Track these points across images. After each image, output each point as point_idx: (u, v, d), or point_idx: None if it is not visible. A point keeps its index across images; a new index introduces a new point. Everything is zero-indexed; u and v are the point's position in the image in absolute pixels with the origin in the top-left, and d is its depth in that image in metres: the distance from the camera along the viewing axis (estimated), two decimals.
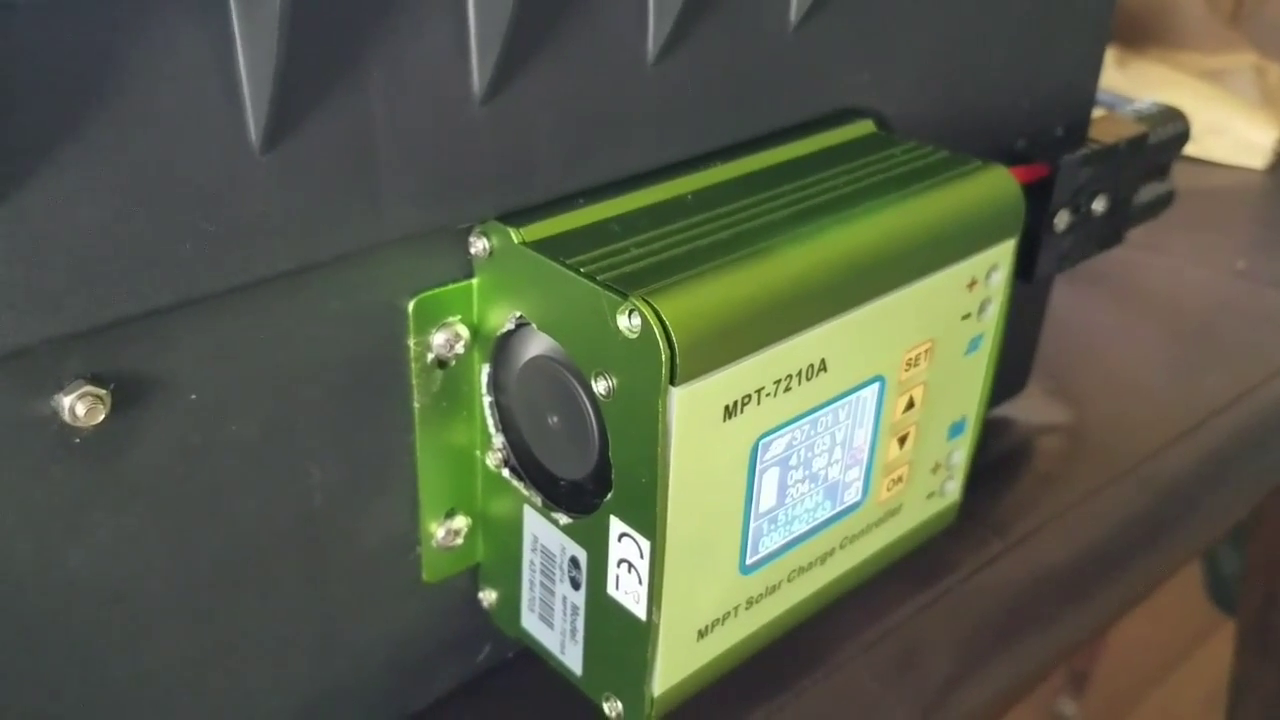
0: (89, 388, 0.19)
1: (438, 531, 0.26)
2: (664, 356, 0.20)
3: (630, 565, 0.23)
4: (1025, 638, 0.35)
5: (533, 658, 0.29)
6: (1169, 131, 0.38)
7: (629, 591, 0.24)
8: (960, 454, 0.30)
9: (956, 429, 0.29)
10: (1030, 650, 0.36)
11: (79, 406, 0.19)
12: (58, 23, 0.16)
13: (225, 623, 0.23)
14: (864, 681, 0.32)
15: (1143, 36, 0.70)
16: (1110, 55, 0.70)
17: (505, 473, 0.26)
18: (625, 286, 0.21)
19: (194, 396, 0.21)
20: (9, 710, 0.21)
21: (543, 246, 0.23)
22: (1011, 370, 0.41)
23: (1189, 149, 0.67)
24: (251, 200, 0.19)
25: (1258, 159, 0.65)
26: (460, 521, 0.26)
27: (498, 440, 0.26)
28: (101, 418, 0.19)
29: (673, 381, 0.21)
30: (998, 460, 0.40)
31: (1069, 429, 0.42)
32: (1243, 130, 0.65)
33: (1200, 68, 0.69)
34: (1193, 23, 0.70)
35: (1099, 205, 0.35)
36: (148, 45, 0.17)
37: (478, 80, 0.21)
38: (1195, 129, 0.68)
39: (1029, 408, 0.42)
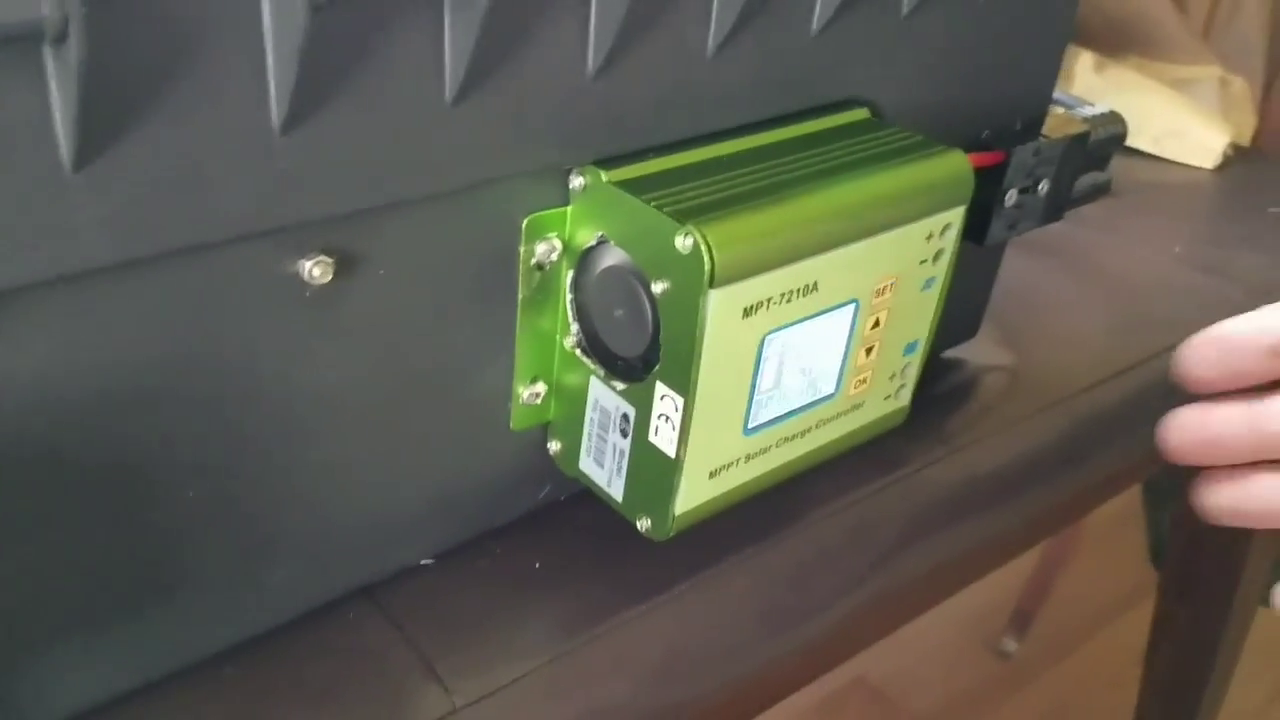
0: (323, 256, 0.28)
1: (524, 393, 0.35)
2: (706, 267, 0.30)
3: (667, 418, 0.33)
4: (959, 524, 0.45)
5: (579, 501, 0.39)
6: (1108, 132, 0.47)
7: (665, 437, 0.33)
8: (912, 368, 0.39)
9: (910, 348, 0.38)
10: (961, 534, 0.45)
11: (316, 269, 0.28)
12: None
13: (384, 437, 0.32)
14: (829, 538, 0.41)
15: (1121, 45, 0.78)
16: (1090, 61, 0.78)
17: (578, 352, 0.35)
18: (683, 217, 0.30)
19: (382, 272, 0.30)
20: (236, 485, 0.30)
21: (624, 185, 0.32)
22: (966, 318, 0.50)
23: (1151, 148, 0.76)
24: (444, 137, 0.28)
25: (1208, 160, 0.74)
26: (540, 387, 0.36)
27: (574, 327, 0.35)
28: (329, 278, 0.28)
29: (711, 285, 0.30)
30: (949, 390, 0.49)
31: (1011, 369, 0.52)
32: (1199, 134, 0.74)
33: (1171, 76, 0.78)
34: (1167, 35, 0.78)
35: (1043, 187, 0.44)
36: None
37: (592, 61, 0.30)
38: (1157, 131, 0.77)
39: (979, 351, 0.52)
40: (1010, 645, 1.15)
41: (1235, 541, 0.80)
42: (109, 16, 0.21)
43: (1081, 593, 1.21)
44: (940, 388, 0.49)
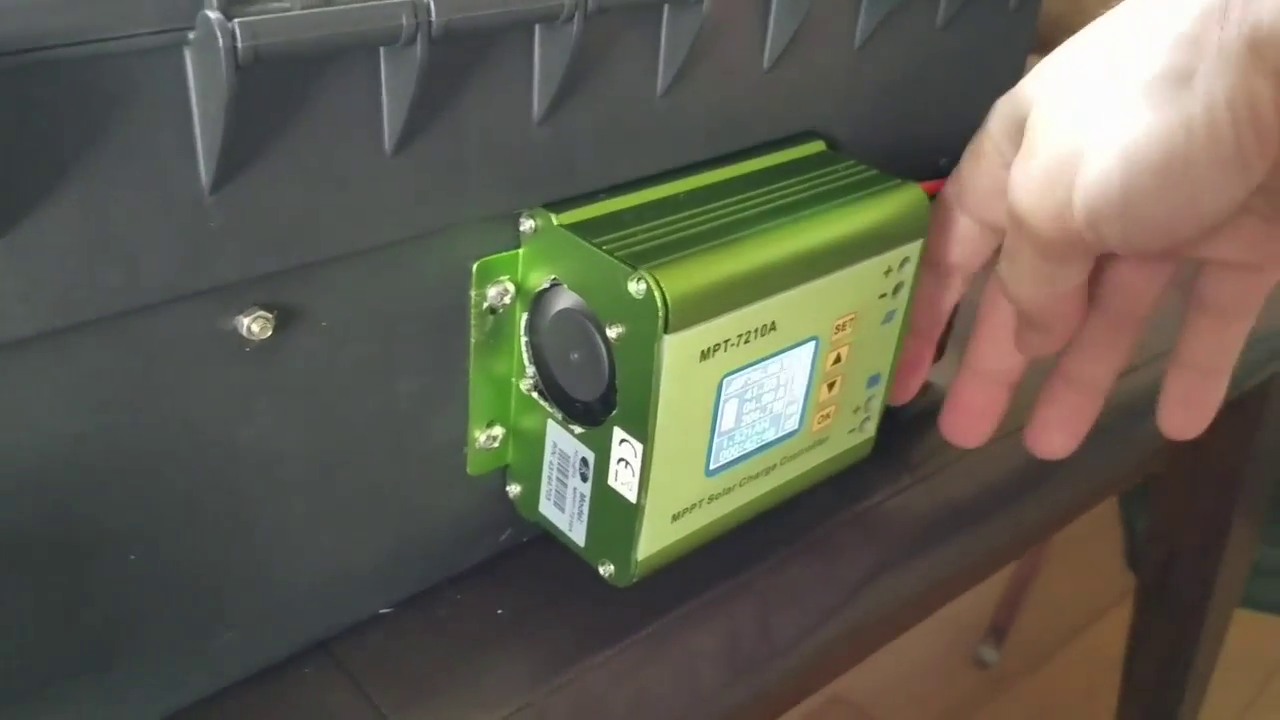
0: (261, 312, 0.27)
1: (480, 437, 0.35)
2: (661, 313, 0.29)
3: (627, 463, 0.32)
4: (928, 553, 0.45)
5: (541, 544, 0.38)
6: None
7: (625, 482, 0.32)
8: (876, 401, 0.39)
9: (873, 380, 0.38)
10: (931, 563, 0.45)
11: (255, 325, 0.27)
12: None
13: (335, 491, 0.32)
14: (795, 575, 0.41)
15: None
16: None
17: (534, 395, 0.34)
18: (635, 261, 0.30)
19: (325, 324, 0.29)
20: (181, 550, 0.29)
21: (575, 228, 0.31)
22: None
23: None
24: (385, 188, 0.27)
25: None
26: (497, 430, 0.35)
27: (529, 370, 0.34)
28: (269, 334, 0.27)
29: (666, 331, 0.29)
30: (915, 414, 0.49)
31: None
32: None
33: None
34: None
35: None
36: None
37: (538, 106, 0.29)
38: None
39: (945, 374, 0.51)
40: (989, 654, 1.14)
41: (1211, 549, 0.80)
42: (18, 82, 0.20)
43: (1057, 600, 1.22)
44: (905, 413, 0.48)
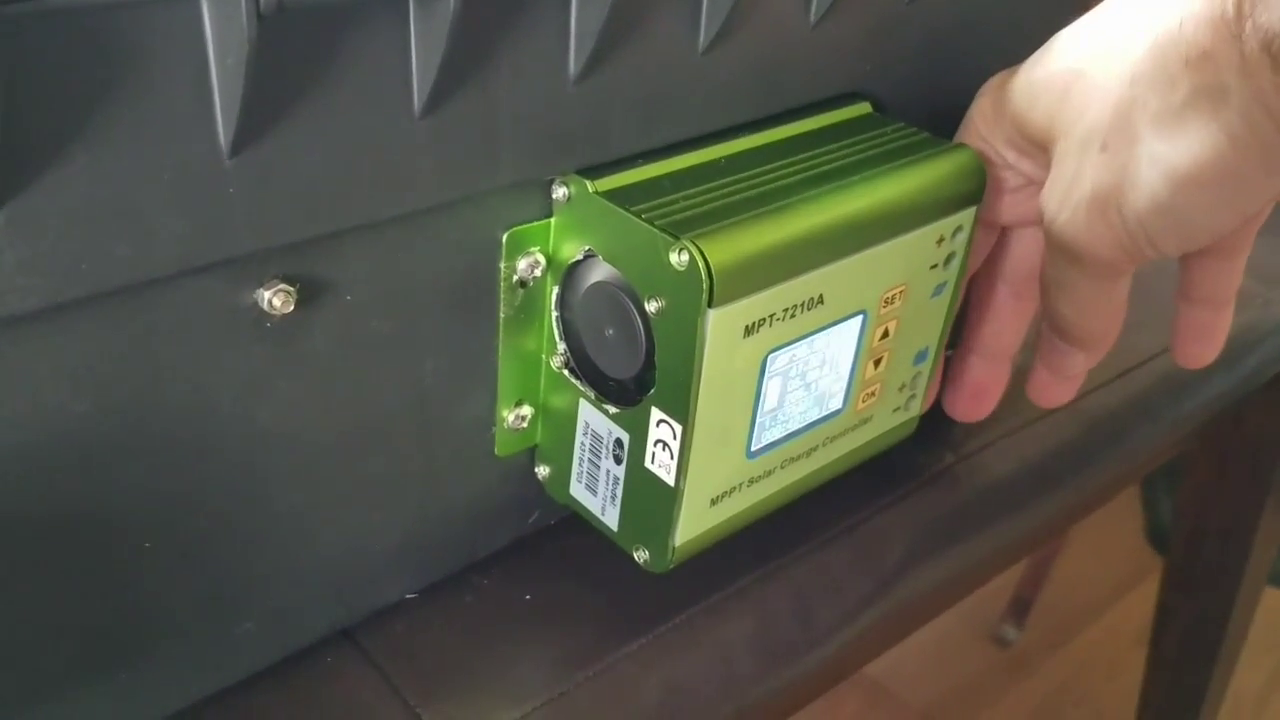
0: (283, 285, 0.26)
1: (509, 416, 0.33)
2: (705, 285, 0.27)
3: (665, 444, 0.30)
4: (969, 535, 0.43)
5: (570, 526, 0.36)
6: None
7: (662, 465, 0.31)
8: (922, 378, 0.37)
9: (920, 357, 0.36)
10: (972, 546, 0.43)
11: (276, 299, 0.26)
12: None
13: (357, 473, 0.30)
14: (833, 561, 0.39)
15: None
16: None
17: (565, 373, 0.33)
18: (677, 230, 0.28)
19: (349, 298, 0.27)
20: (197, 536, 0.28)
21: (611, 195, 0.29)
22: None
23: None
24: (413, 152, 0.25)
25: None
26: (526, 410, 0.33)
27: (561, 347, 0.32)
28: (291, 308, 0.26)
29: (710, 304, 0.28)
30: None
31: (1017, 370, 0.49)
32: None
33: None
34: None
35: None
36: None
37: (574, 64, 0.27)
38: None
39: None
40: (1010, 633, 1.13)
41: (1241, 527, 0.78)
42: (25, 37, 0.19)
43: (1079, 578, 1.20)
44: (943, 390, 0.47)
